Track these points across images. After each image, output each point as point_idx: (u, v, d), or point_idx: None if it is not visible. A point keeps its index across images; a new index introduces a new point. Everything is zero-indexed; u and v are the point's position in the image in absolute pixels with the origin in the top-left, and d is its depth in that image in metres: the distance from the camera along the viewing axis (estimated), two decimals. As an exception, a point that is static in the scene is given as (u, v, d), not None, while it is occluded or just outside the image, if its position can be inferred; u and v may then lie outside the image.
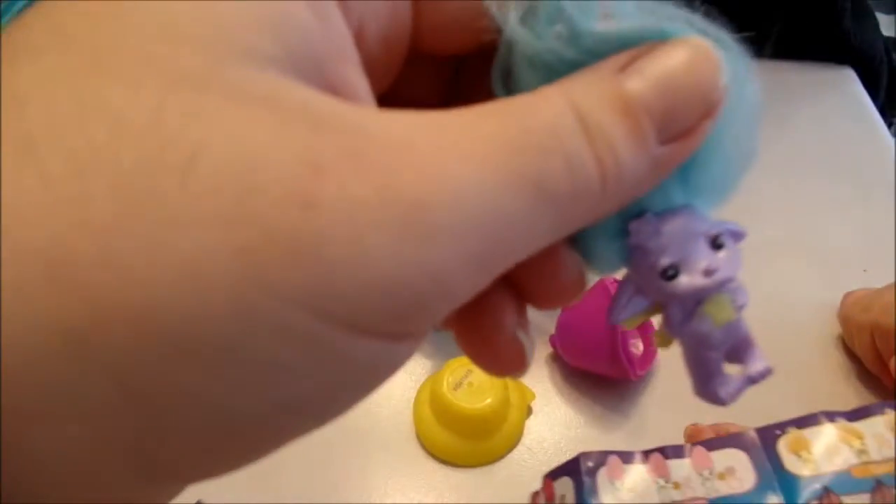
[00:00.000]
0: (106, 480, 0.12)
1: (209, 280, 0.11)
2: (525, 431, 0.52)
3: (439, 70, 0.19)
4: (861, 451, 0.35)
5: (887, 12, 1.24)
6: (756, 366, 0.18)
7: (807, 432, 0.37)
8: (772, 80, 0.80)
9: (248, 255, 0.11)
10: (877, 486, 0.34)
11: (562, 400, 0.54)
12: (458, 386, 0.50)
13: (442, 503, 0.49)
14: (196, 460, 0.13)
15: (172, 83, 0.11)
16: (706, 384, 0.18)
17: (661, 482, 0.36)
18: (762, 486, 0.35)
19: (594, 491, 0.36)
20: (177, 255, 0.11)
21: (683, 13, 0.15)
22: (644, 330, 0.55)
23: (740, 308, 0.17)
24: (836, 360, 0.57)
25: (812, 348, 0.57)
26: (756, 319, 0.57)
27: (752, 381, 0.18)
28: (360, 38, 0.15)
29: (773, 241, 0.65)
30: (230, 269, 0.11)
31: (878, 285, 0.55)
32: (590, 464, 0.38)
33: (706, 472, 0.36)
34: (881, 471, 0.34)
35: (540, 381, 0.55)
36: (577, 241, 0.17)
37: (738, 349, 0.18)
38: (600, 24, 0.15)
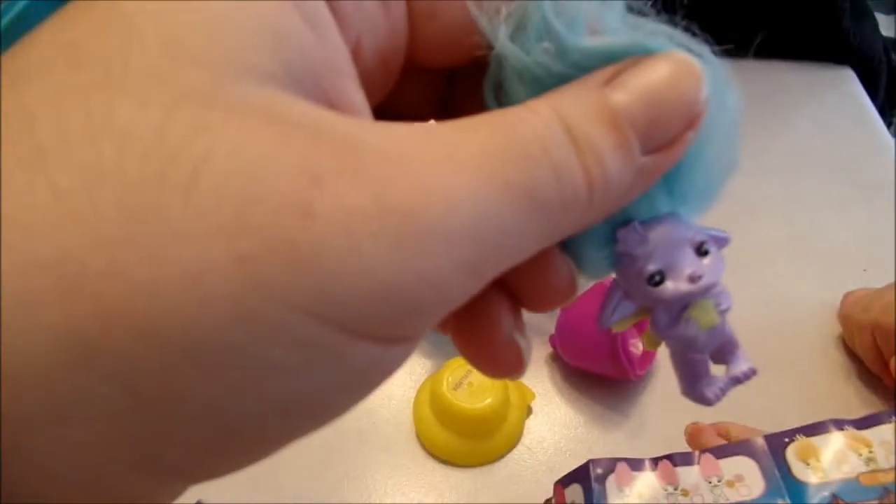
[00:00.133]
0: (112, 482, 0.12)
1: (211, 289, 0.11)
2: (525, 431, 0.52)
3: (433, 83, 0.19)
4: (869, 459, 0.36)
5: (886, 12, 1.24)
6: (740, 366, 0.18)
7: (815, 440, 0.37)
8: (771, 81, 0.80)
9: (249, 263, 0.11)
10: (884, 493, 0.34)
11: (562, 400, 0.55)
12: (457, 386, 0.50)
13: (442, 503, 0.49)
14: (199, 462, 0.13)
15: (177, 99, 0.12)
16: (693, 385, 0.18)
17: (670, 489, 0.36)
18: (771, 494, 0.35)
19: (603, 497, 0.37)
20: (180, 265, 0.11)
21: (667, 29, 0.16)
22: (643, 330, 0.55)
23: (724, 312, 0.18)
24: (836, 360, 0.57)
25: (812, 348, 0.58)
26: (756, 319, 0.57)
27: (737, 381, 0.19)
28: (357, 53, 0.16)
29: (773, 241, 0.65)
30: (231, 277, 0.11)
31: (878, 285, 0.56)
32: (599, 470, 0.38)
33: (715, 480, 0.36)
34: (889, 479, 0.35)
35: (540, 381, 0.55)
36: (567, 247, 0.18)
37: (723, 350, 0.18)
38: (587, 40, 0.15)
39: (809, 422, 0.39)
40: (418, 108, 0.19)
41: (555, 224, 0.14)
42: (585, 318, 0.53)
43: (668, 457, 0.38)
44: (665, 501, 0.36)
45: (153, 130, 0.11)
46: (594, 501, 0.37)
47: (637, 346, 0.54)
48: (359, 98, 0.15)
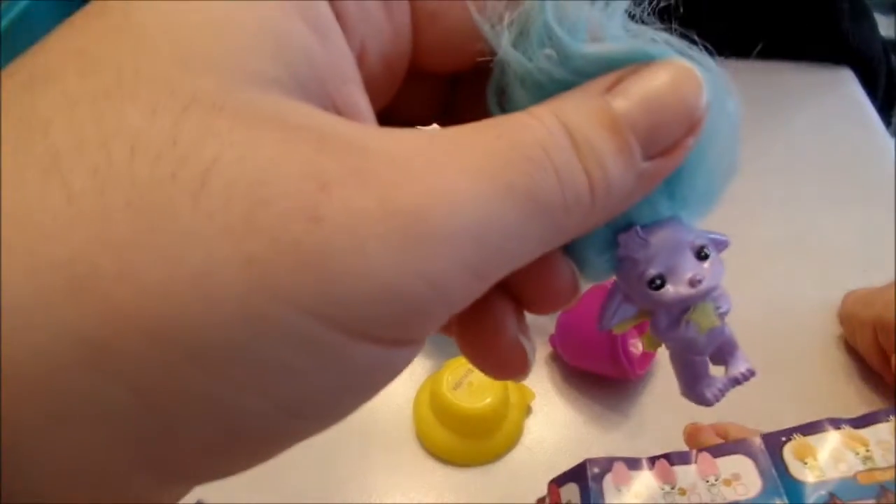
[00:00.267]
0: (117, 482, 0.12)
1: (220, 290, 0.11)
2: (525, 431, 0.52)
3: (436, 88, 0.20)
4: (866, 458, 0.36)
5: (885, 13, 1.25)
6: (739, 367, 0.19)
7: (812, 439, 0.37)
8: (771, 81, 0.80)
9: (257, 265, 0.12)
10: (882, 491, 0.34)
11: (561, 399, 0.55)
12: (457, 386, 0.50)
13: (442, 503, 0.49)
14: (205, 462, 0.13)
15: (186, 106, 0.12)
16: (692, 386, 0.19)
17: (667, 488, 0.36)
18: (768, 493, 0.35)
19: (600, 497, 0.37)
20: (189, 267, 0.11)
21: (667, 36, 0.16)
22: (643, 330, 0.55)
23: (724, 315, 0.18)
24: (835, 360, 0.57)
25: (811, 348, 0.58)
26: (755, 320, 0.57)
27: (736, 381, 0.19)
28: (361, 59, 0.16)
29: (772, 241, 0.65)
30: (239, 279, 0.12)
31: (879, 285, 0.56)
32: (596, 470, 0.38)
33: (712, 479, 0.37)
34: (886, 477, 0.35)
35: (540, 381, 0.55)
36: (569, 251, 0.18)
37: (722, 351, 0.19)
38: (588, 47, 0.16)
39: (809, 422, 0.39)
40: (421, 112, 0.20)
41: (557, 227, 0.15)
42: (585, 318, 0.53)
43: (666, 456, 0.38)
44: (662, 501, 0.36)
45: (164, 135, 0.12)
46: (591, 501, 0.37)
47: (636, 347, 0.54)
48: (363, 103, 0.15)
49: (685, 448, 0.41)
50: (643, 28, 0.16)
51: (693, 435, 0.46)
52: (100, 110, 0.12)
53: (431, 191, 0.13)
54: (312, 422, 0.14)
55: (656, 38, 0.16)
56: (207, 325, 0.11)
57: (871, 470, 0.35)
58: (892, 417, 0.37)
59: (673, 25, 0.16)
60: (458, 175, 0.13)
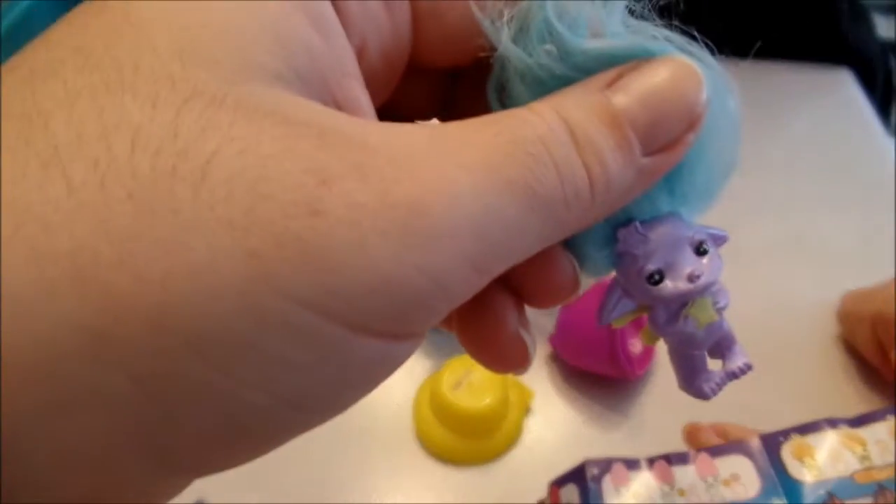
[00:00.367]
0: (120, 471, 0.13)
1: (221, 281, 0.12)
2: (524, 431, 0.52)
3: (436, 84, 0.20)
4: (864, 457, 0.36)
5: (884, 14, 1.25)
6: (736, 361, 0.19)
7: (810, 439, 0.37)
8: (769, 82, 0.80)
9: (258, 258, 0.12)
10: (879, 490, 0.34)
11: (561, 399, 0.55)
12: (457, 385, 0.50)
13: (442, 503, 0.49)
14: (205, 453, 0.13)
15: (187, 99, 0.12)
16: (690, 380, 0.19)
17: (666, 489, 0.37)
18: (767, 493, 0.36)
19: (600, 497, 0.37)
20: (190, 258, 0.11)
21: (667, 32, 0.16)
22: (642, 326, 0.55)
23: (722, 310, 0.18)
24: (835, 360, 0.57)
25: (812, 348, 0.58)
26: (754, 319, 0.57)
27: (734, 375, 0.19)
28: (361, 54, 0.16)
29: (772, 241, 0.65)
30: (241, 271, 0.12)
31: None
32: (595, 471, 0.38)
33: (711, 479, 0.37)
34: (883, 476, 0.35)
35: (539, 381, 0.55)
36: (570, 246, 0.18)
37: (720, 346, 0.19)
38: (589, 43, 0.16)
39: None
40: (421, 108, 0.20)
41: (556, 222, 0.15)
42: (585, 317, 0.53)
43: (665, 456, 0.39)
44: (661, 501, 0.36)
45: (164, 128, 0.12)
46: (590, 501, 0.37)
47: (636, 346, 0.54)
48: (363, 98, 0.16)
49: (685, 448, 0.41)
50: (643, 24, 0.16)
51: (692, 434, 0.46)
52: (100, 104, 0.12)
53: (431, 185, 0.13)
54: (313, 415, 0.14)
55: (656, 35, 0.16)
56: (207, 315, 0.11)
57: (868, 469, 0.35)
58: (889, 417, 0.37)
59: (673, 22, 0.16)
60: (458, 170, 0.13)
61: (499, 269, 0.15)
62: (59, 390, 0.11)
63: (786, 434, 0.38)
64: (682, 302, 0.18)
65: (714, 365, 0.19)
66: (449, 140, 0.14)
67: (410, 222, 0.13)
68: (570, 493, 0.39)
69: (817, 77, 0.84)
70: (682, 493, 0.36)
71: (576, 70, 0.16)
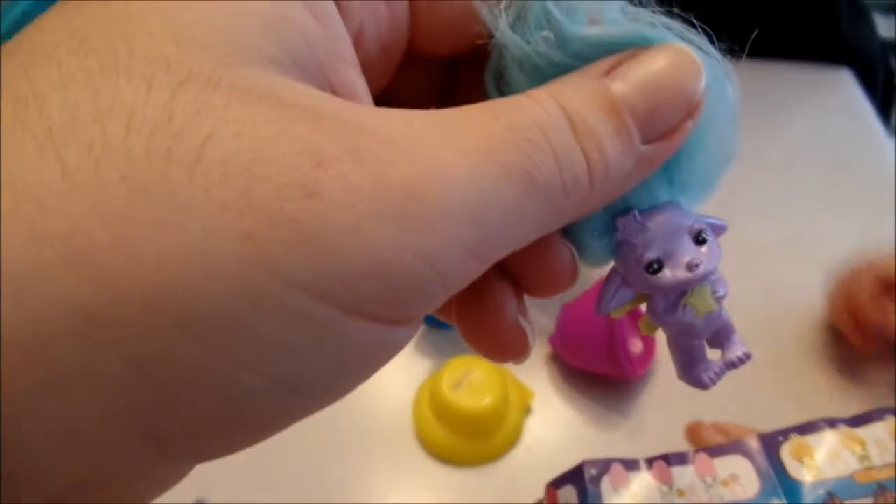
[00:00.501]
0: (118, 455, 0.13)
1: (215, 263, 0.11)
2: (524, 431, 0.52)
3: (434, 72, 0.20)
4: (863, 457, 0.36)
5: (884, 14, 1.25)
6: (735, 351, 0.19)
7: (809, 438, 0.37)
8: (770, 81, 0.80)
9: (253, 240, 0.12)
10: (879, 490, 0.34)
11: (561, 399, 0.55)
12: (457, 385, 0.50)
13: (442, 503, 0.49)
14: (202, 437, 0.13)
15: (182, 82, 0.12)
16: (689, 370, 0.19)
17: (665, 489, 0.37)
18: (766, 493, 0.36)
19: (598, 498, 0.37)
20: (185, 240, 0.11)
21: (666, 19, 0.16)
22: (639, 317, 0.55)
23: (721, 299, 0.18)
24: (834, 360, 0.57)
25: (811, 347, 0.58)
26: (755, 319, 0.57)
27: (733, 365, 0.19)
28: (358, 41, 0.16)
29: (771, 241, 0.65)
30: (235, 253, 0.12)
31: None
32: (593, 471, 0.38)
33: (710, 479, 0.37)
34: (884, 476, 0.35)
35: (539, 381, 0.55)
36: (568, 235, 0.18)
37: (719, 335, 0.19)
38: (587, 30, 0.16)
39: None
40: (419, 97, 0.20)
41: (555, 209, 0.15)
42: (585, 317, 0.53)
43: (663, 457, 0.38)
44: (661, 501, 0.36)
45: (159, 111, 0.12)
46: (589, 502, 0.37)
47: (636, 346, 0.54)
48: (360, 84, 0.15)
49: (685, 448, 0.41)
50: (642, 12, 0.16)
51: (694, 431, 0.46)
52: (94, 86, 0.12)
53: (428, 169, 0.13)
54: (310, 399, 0.14)
55: (655, 22, 0.16)
56: (202, 297, 0.11)
57: (868, 469, 0.35)
58: (888, 417, 0.37)
59: (672, 9, 0.16)
60: (455, 154, 0.13)
61: (496, 255, 0.15)
62: (54, 370, 0.11)
63: (785, 434, 0.38)
64: (681, 291, 0.18)
65: (713, 355, 0.19)
66: (446, 125, 0.14)
67: (406, 205, 0.13)
68: (569, 494, 0.38)
69: (817, 77, 0.84)
70: (681, 493, 0.36)
71: (574, 57, 0.16)
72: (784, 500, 0.35)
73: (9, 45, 0.13)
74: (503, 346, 0.19)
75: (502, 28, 0.16)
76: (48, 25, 0.13)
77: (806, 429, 0.38)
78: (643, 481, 0.37)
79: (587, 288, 0.52)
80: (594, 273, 0.59)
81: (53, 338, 0.11)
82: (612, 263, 0.18)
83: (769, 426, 0.40)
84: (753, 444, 0.38)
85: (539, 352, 0.56)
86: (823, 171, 0.73)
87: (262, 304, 0.12)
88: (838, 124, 0.79)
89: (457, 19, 0.17)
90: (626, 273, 0.18)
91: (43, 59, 0.12)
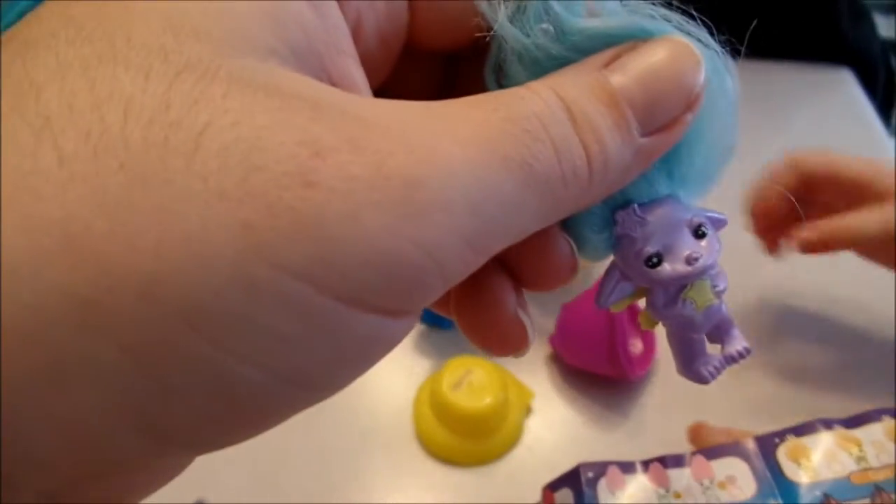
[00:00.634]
0: (116, 446, 0.13)
1: (213, 251, 0.11)
2: (525, 431, 0.52)
3: (433, 66, 0.20)
4: (860, 458, 0.36)
5: (885, 14, 1.25)
6: (735, 345, 0.19)
7: (805, 440, 0.37)
8: (770, 81, 0.80)
9: (251, 229, 0.12)
10: (876, 491, 0.34)
11: (561, 399, 0.55)
12: (457, 385, 0.50)
13: (442, 503, 0.49)
14: (200, 428, 0.13)
15: (179, 71, 0.12)
16: (689, 364, 0.19)
17: (662, 491, 0.37)
18: (762, 494, 0.36)
19: (595, 500, 0.37)
20: (183, 228, 0.11)
21: (666, 12, 0.16)
22: (643, 330, 0.55)
23: (721, 293, 0.18)
24: (834, 359, 0.57)
25: (811, 347, 0.58)
26: (755, 318, 0.56)
27: (732, 359, 0.19)
28: (357, 33, 0.16)
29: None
30: (233, 241, 0.12)
31: (878, 286, 0.56)
32: (590, 474, 0.38)
33: (706, 481, 0.37)
34: (880, 477, 0.35)
35: (540, 381, 0.55)
36: (568, 228, 0.18)
37: (719, 329, 0.19)
38: (585, 22, 0.16)
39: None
40: (418, 91, 0.19)
41: (554, 201, 0.15)
42: (585, 317, 0.53)
43: (660, 459, 0.38)
44: (657, 503, 0.36)
45: (157, 100, 0.12)
46: None
47: (636, 346, 0.54)
48: (359, 75, 0.15)
49: (686, 448, 0.41)
50: (641, 4, 0.16)
51: (697, 432, 0.46)
52: (92, 75, 0.12)
53: (427, 159, 0.13)
54: (308, 391, 0.14)
55: (654, 14, 0.16)
56: (199, 285, 0.11)
57: (864, 470, 0.35)
58: (884, 417, 0.37)
59: (671, 2, 0.16)
60: (453, 144, 0.13)
61: (495, 247, 0.14)
62: (51, 358, 0.11)
63: (781, 435, 0.38)
64: (681, 285, 0.18)
65: (713, 349, 0.19)
66: (445, 115, 0.14)
67: (405, 195, 0.13)
68: (565, 496, 0.38)
69: (817, 77, 0.84)
70: (677, 495, 0.36)
71: (573, 50, 0.16)
72: (780, 502, 0.35)
73: (6, 35, 0.13)
74: (502, 339, 0.19)
75: (501, 21, 0.16)
76: (45, 15, 0.13)
77: (802, 430, 0.38)
78: (639, 484, 0.37)
79: (587, 287, 0.52)
80: (594, 273, 0.59)
81: (50, 325, 0.11)
82: (611, 257, 0.18)
83: (770, 427, 0.40)
84: (750, 445, 0.38)
85: (539, 352, 0.57)
86: (824, 171, 0.73)
87: (259, 293, 0.12)
88: (838, 124, 0.79)
89: (455, 12, 0.17)
90: (626, 267, 0.18)
91: (40, 48, 0.12)
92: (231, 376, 0.12)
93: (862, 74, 0.85)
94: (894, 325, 0.55)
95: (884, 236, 0.49)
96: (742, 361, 0.19)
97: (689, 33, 0.16)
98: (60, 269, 0.11)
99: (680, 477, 0.37)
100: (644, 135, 0.15)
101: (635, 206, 0.17)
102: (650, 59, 0.15)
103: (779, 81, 0.82)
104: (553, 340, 0.55)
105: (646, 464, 0.38)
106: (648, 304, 0.18)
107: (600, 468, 0.38)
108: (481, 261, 0.14)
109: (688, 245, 0.17)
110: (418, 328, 0.58)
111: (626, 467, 0.38)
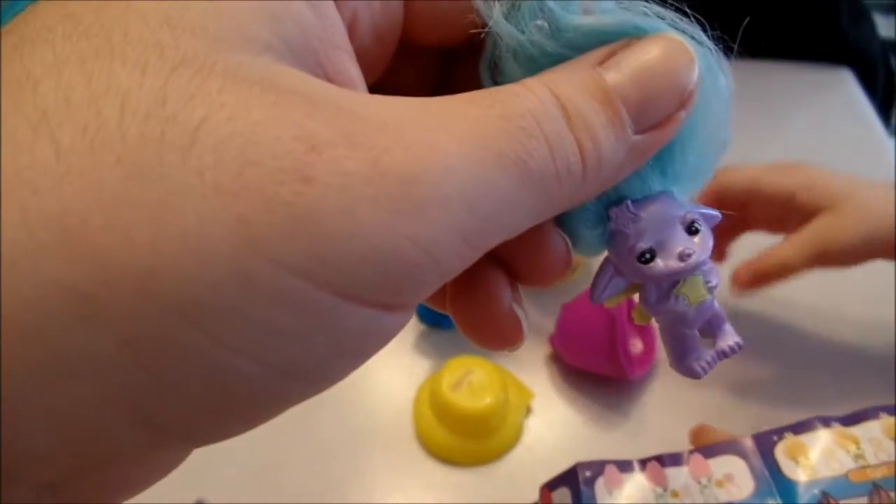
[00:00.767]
0: (112, 439, 0.13)
1: (209, 246, 0.12)
2: (524, 431, 0.52)
3: (428, 61, 0.20)
4: (858, 456, 0.36)
5: (885, 14, 1.25)
6: (727, 340, 0.19)
7: (803, 438, 0.37)
8: (769, 81, 0.80)
9: (247, 223, 0.12)
10: (874, 489, 0.34)
11: (561, 399, 0.55)
12: (457, 385, 0.50)
13: (442, 503, 0.49)
14: (197, 421, 0.13)
15: (176, 66, 0.12)
16: (681, 359, 0.19)
17: (659, 490, 0.36)
18: (761, 493, 0.35)
19: (592, 500, 0.37)
20: (179, 223, 0.11)
21: (659, 9, 0.16)
22: (643, 330, 0.55)
23: (713, 289, 0.18)
24: (833, 359, 0.57)
25: (809, 347, 0.58)
26: (756, 317, 0.56)
27: (724, 354, 0.19)
28: (352, 29, 0.16)
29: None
30: (229, 236, 0.12)
31: (878, 285, 0.56)
32: (587, 473, 0.38)
33: (704, 480, 0.36)
34: (878, 474, 0.35)
35: (540, 381, 0.55)
36: (562, 224, 0.18)
37: (711, 325, 0.19)
38: (580, 19, 0.16)
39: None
40: (413, 87, 0.20)
41: (548, 197, 0.15)
42: (585, 317, 0.53)
43: (657, 458, 0.38)
44: (655, 503, 0.36)
45: (153, 95, 0.12)
46: None
47: (636, 346, 0.54)
48: (354, 71, 0.16)
49: (686, 448, 0.41)
50: (636, 2, 0.16)
51: (698, 435, 0.46)
52: (89, 70, 0.12)
53: (423, 155, 0.13)
54: (304, 384, 0.14)
55: (648, 12, 0.16)
56: (196, 279, 0.11)
57: (863, 468, 0.35)
58: (882, 415, 0.37)
59: (667, 1, 0.16)
60: (448, 141, 0.13)
61: (490, 243, 0.15)
62: (49, 353, 0.11)
63: (779, 433, 0.38)
64: (673, 280, 0.18)
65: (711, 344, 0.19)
66: (441, 112, 0.14)
67: (401, 191, 0.13)
68: (563, 496, 0.38)
69: (817, 77, 0.84)
70: (675, 494, 0.36)
71: (568, 47, 0.16)
72: (779, 501, 0.35)
73: (3, 29, 0.13)
74: (497, 333, 0.19)
75: (496, 17, 0.16)
76: (42, 10, 0.13)
77: (800, 428, 0.38)
78: (637, 483, 0.37)
79: (587, 287, 0.52)
80: (594, 272, 0.59)
81: (48, 319, 0.11)
82: (605, 253, 0.18)
83: (770, 427, 0.40)
84: (748, 443, 0.38)
85: (539, 352, 0.57)
86: (823, 170, 0.73)
87: (255, 288, 0.12)
88: (838, 124, 0.79)
89: (450, 9, 0.17)
90: (619, 262, 0.18)
91: (37, 42, 0.12)
92: (228, 370, 0.12)
93: (862, 74, 0.85)
94: (894, 325, 0.55)
95: (816, 259, 0.50)
96: (734, 356, 0.19)
97: (682, 31, 0.16)
98: (58, 263, 0.11)
99: (678, 476, 0.37)
100: (638, 132, 0.15)
101: (629, 202, 0.17)
102: (644, 57, 0.15)
103: (779, 81, 0.82)
104: (553, 340, 0.55)
105: (643, 463, 0.38)
106: (641, 299, 0.18)
107: (598, 467, 0.38)
108: (476, 256, 0.15)
109: (681, 241, 0.17)
110: (418, 328, 0.58)
111: (624, 466, 0.38)
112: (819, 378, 0.56)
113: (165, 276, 0.11)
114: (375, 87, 0.18)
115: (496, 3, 0.16)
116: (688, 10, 0.16)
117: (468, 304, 0.18)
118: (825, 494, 0.34)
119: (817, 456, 0.36)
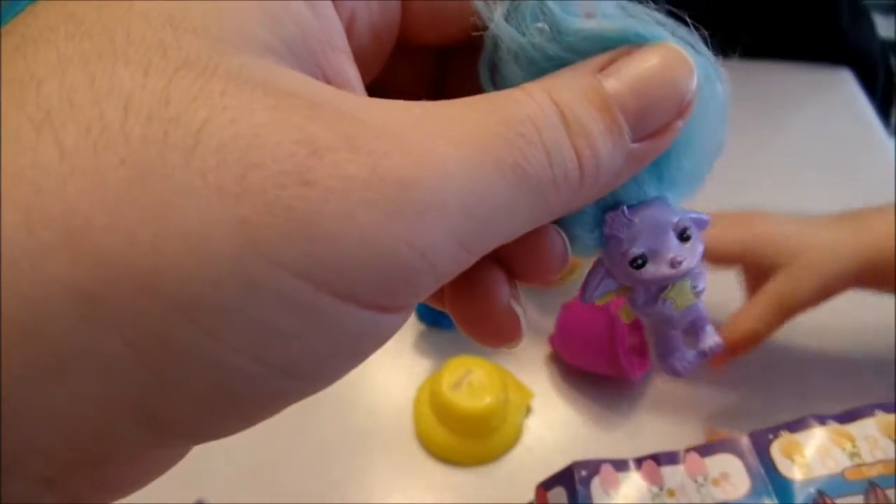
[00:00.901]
0: (113, 436, 0.13)
1: (211, 247, 0.12)
2: (524, 431, 0.52)
3: (425, 60, 0.20)
4: (853, 454, 0.36)
5: (884, 14, 1.25)
6: (707, 342, 0.20)
7: (798, 436, 0.37)
8: (769, 81, 0.80)
9: (248, 225, 0.12)
10: (870, 487, 0.34)
11: (561, 399, 0.55)
12: (457, 385, 0.50)
13: (442, 503, 0.49)
14: (198, 419, 0.13)
15: (178, 68, 0.12)
16: (665, 358, 0.20)
17: (655, 489, 0.36)
18: (756, 492, 0.35)
19: (588, 499, 0.37)
20: (182, 224, 0.12)
21: (660, 17, 0.16)
22: (643, 331, 0.55)
23: (700, 293, 0.19)
24: (833, 359, 0.57)
25: (810, 346, 0.58)
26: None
27: (705, 354, 0.20)
28: (350, 29, 0.16)
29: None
30: (231, 238, 0.12)
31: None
32: (583, 473, 0.38)
33: (700, 479, 0.36)
34: (874, 472, 0.35)
35: (539, 381, 0.55)
36: (559, 226, 0.18)
37: (694, 326, 0.20)
38: (581, 23, 0.16)
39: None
40: (411, 87, 0.20)
41: (545, 203, 0.15)
42: (585, 317, 0.53)
43: (653, 457, 0.38)
44: (651, 502, 0.36)
45: (156, 96, 0.12)
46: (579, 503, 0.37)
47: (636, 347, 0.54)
48: (352, 73, 0.16)
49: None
50: (637, 7, 0.16)
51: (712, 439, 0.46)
52: (91, 70, 0.12)
53: (422, 160, 0.13)
54: (303, 383, 0.14)
55: (649, 19, 0.16)
56: (198, 280, 0.12)
57: (858, 466, 0.35)
58: (877, 412, 0.37)
59: (669, 7, 0.16)
60: (447, 146, 0.13)
61: (487, 247, 0.15)
62: (52, 351, 0.11)
63: (775, 431, 0.38)
64: (662, 285, 0.18)
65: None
66: (439, 117, 0.14)
67: (400, 195, 0.13)
68: (559, 495, 0.38)
69: (817, 77, 0.84)
70: (671, 493, 0.36)
71: (568, 51, 0.16)
72: (774, 499, 0.35)
73: (5, 29, 0.13)
74: (496, 331, 0.19)
75: (497, 20, 0.16)
76: (43, 10, 0.13)
77: (795, 426, 0.38)
78: (633, 482, 0.37)
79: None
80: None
81: (51, 318, 0.11)
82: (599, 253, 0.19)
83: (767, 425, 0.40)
84: (744, 442, 0.38)
85: (539, 352, 0.57)
86: (823, 171, 0.73)
87: (256, 289, 0.12)
88: (838, 124, 0.79)
89: (448, 8, 0.17)
90: (612, 266, 0.18)
91: (40, 42, 0.13)
92: (228, 368, 0.13)
93: (862, 74, 0.85)
94: (894, 325, 0.55)
95: (781, 319, 0.50)
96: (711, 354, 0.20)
97: (682, 39, 0.16)
98: (61, 262, 0.11)
99: (674, 474, 0.37)
100: (635, 140, 0.15)
101: (624, 207, 0.18)
102: (644, 66, 0.15)
103: (779, 81, 0.82)
104: (553, 340, 0.55)
105: (639, 462, 0.38)
106: (629, 300, 0.19)
107: (594, 466, 0.38)
108: (473, 260, 0.15)
109: (672, 248, 0.18)
110: (418, 328, 0.58)
111: (620, 465, 0.38)
112: (820, 379, 0.56)
113: (167, 275, 0.11)
114: (372, 86, 0.18)
115: (497, 4, 0.16)
116: (688, 15, 0.17)
117: (467, 300, 0.19)
118: (821, 493, 0.34)
119: (813, 454, 0.36)
